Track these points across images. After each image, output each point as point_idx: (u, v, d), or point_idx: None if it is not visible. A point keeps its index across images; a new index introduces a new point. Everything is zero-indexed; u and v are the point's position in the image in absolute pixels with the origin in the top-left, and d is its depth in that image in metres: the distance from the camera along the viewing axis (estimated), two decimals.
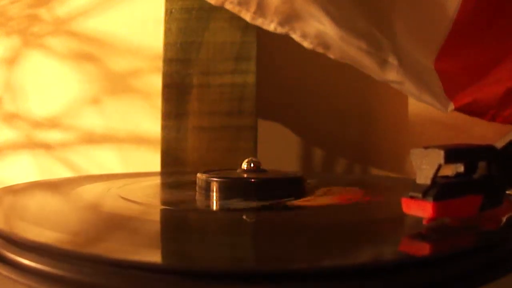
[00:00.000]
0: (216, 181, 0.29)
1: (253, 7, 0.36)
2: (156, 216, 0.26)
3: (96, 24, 0.56)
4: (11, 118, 0.58)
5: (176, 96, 0.45)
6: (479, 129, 0.40)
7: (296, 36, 0.35)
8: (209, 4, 0.37)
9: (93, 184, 0.34)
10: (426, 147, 0.20)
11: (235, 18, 0.38)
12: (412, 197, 0.20)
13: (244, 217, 0.25)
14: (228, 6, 0.36)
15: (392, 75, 0.35)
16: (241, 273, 0.16)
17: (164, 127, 0.45)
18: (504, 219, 0.23)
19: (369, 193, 0.31)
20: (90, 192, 0.31)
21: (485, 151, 0.21)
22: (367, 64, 0.35)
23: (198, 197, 0.30)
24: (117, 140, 0.55)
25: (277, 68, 0.52)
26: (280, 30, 0.35)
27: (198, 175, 0.31)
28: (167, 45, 0.45)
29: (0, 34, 0.59)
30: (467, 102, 0.36)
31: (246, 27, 0.43)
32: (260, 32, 0.43)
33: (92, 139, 0.56)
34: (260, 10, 0.35)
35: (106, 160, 0.56)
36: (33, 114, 0.58)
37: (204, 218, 0.26)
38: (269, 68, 0.49)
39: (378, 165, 0.52)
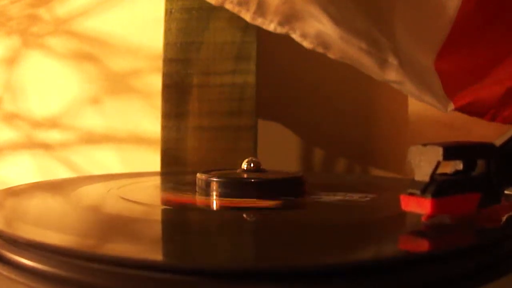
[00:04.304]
0: (216, 181, 0.29)
1: (253, 7, 0.36)
2: (156, 216, 0.26)
3: (96, 24, 0.56)
4: (11, 118, 0.58)
5: (176, 96, 0.45)
6: (479, 129, 0.40)
7: (296, 36, 0.35)
8: (209, 4, 0.37)
9: (93, 184, 0.34)
10: (424, 144, 0.20)
11: (235, 18, 0.37)
12: (410, 194, 0.20)
13: (244, 216, 0.25)
14: (228, 6, 0.36)
15: (392, 75, 0.35)
16: (241, 272, 0.16)
17: (164, 127, 0.45)
18: (504, 218, 0.23)
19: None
20: (90, 192, 0.32)
21: (483, 149, 0.21)
22: (367, 64, 0.35)
23: (198, 197, 0.30)
24: (117, 140, 0.55)
25: (277, 68, 0.52)
26: (280, 30, 0.35)
27: (198, 175, 0.31)
28: (167, 45, 0.45)
29: (0, 34, 0.59)
30: (467, 102, 0.36)
31: (246, 27, 0.43)
32: (260, 32, 0.43)
33: (92, 139, 0.56)
34: (260, 10, 0.35)
35: (106, 160, 0.56)
36: (33, 114, 0.58)
37: (204, 218, 0.26)
38: (269, 68, 0.49)
39: (378, 165, 0.52)
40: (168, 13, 0.45)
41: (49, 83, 0.57)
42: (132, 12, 0.54)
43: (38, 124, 0.57)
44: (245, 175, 0.31)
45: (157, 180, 0.40)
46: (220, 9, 0.37)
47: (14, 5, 0.58)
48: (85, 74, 0.56)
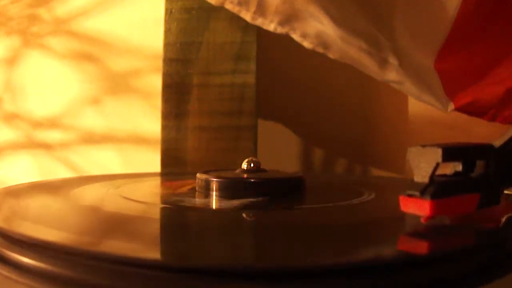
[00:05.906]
0: (216, 181, 0.29)
1: (253, 7, 0.36)
2: (156, 215, 0.26)
3: (96, 24, 0.56)
4: (11, 118, 0.58)
5: (176, 96, 0.45)
6: (479, 129, 0.40)
7: (296, 36, 0.35)
8: (209, 4, 0.37)
9: (93, 184, 0.34)
10: (423, 146, 0.20)
11: (235, 18, 0.38)
12: (409, 195, 0.20)
13: (244, 216, 0.25)
14: (228, 6, 0.36)
15: (392, 75, 0.35)
16: (241, 272, 0.16)
17: (164, 127, 0.45)
18: (504, 218, 0.23)
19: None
20: (90, 192, 0.32)
21: (483, 150, 0.21)
22: (367, 64, 0.35)
23: (198, 197, 0.30)
24: (117, 140, 0.55)
25: (277, 68, 0.52)
26: (280, 30, 0.35)
27: (198, 175, 0.31)
28: (167, 45, 0.45)
29: (0, 34, 0.59)
30: (467, 102, 0.36)
31: (246, 27, 0.43)
32: (260, 32, 0.43)
33: (92, 139, 0.56)
34: (260, 10, 0.35)
35: (106, 160, 0.56)
36: (33, 114, 0.58)
37: (203, 217, 0.26)
38: (269, 68, 0.49)
39: (378, 165, 0.52)
40: (168, 13, 0.45)
41: (49, 83, 0.57)
42: (132, 12, 0.54)
43: (38, 124, 0.57)
44: (245, 175, 0.31)
45: (157, 180, 0.40)
46: (220, 9, 0.37)
47: (14, 5, 0.58)
48: (85, 74, 0.56)
